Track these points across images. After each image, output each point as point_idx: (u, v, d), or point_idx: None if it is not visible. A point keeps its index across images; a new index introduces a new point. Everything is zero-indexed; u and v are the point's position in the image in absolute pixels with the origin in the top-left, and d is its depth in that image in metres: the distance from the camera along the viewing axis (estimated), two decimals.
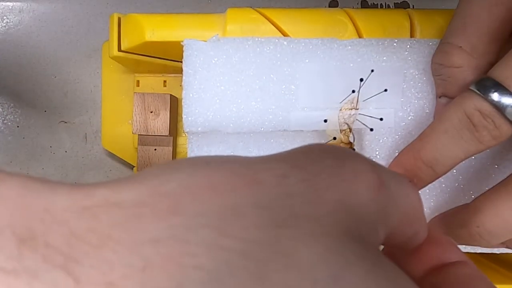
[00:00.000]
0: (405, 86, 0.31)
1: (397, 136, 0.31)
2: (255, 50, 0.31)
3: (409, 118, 0.31)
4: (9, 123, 0.44)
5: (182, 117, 0.32)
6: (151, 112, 0.39)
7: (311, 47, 0.32)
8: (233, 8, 0.33)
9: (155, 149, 0.41)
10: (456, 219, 0.28)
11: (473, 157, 0.31)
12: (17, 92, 0.44)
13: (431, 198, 0.31)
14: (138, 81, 0.42)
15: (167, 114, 0.39)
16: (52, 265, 0.11)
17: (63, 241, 0.11)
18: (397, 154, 0.31)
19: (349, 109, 0.31)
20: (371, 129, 0.31)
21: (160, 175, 0.14)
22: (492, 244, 0.27)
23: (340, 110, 0.31)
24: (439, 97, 0.30)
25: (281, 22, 0.33)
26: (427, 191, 0.31)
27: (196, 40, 0.32)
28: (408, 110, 0.31)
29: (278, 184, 0.14)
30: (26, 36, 0.44)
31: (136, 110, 0.38)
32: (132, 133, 0.39)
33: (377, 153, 0.31)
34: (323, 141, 0.32)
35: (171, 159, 0.41)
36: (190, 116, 0.31)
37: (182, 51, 0.32)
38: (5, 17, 0.44)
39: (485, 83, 0.24)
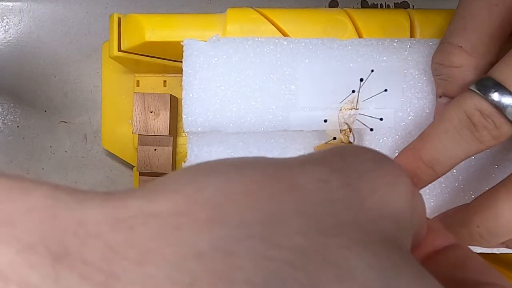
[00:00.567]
0: (405, 86, 0.31)
1: (397, 136, 0.31)
2: (255, 50, 0.31)
3: (409, 118, 0.31)
4: (9, 123, 0.44)
5: (182, 117, 0.32)
6: (151, 112, 0.39)
7: (311, 47, 0.32)
8: (233, 8, 0.33)
9: (155, 149, 0.41)
10: (456, 219, 0.28)
11: (473, 157, 0.31)
12: (17, 92, 0.44)
13: (431, 198, 0.31)
14: (138, 81, 0.42)
15: (167, 114, 0.39)
16: (91, 284, 0.10)
17: (100, 256, 0.10)
18: (397, 154, 0.31)
19: (349, 109, 0.31)
20: (371, 129, 0.31)
21: (194, 182, 0.13)
22: (492, 244, 0.27)
23: (340, 110, 0.31)
24: (439, 97, 0.30)
25: (281, 22, 0.33)
26: (427, 191, 0.31)
27: (196, 40, 0.32)
28: (408, 110, 0.31)
29: (320, 190, 0.14)
30: (26, 36, 0.44)
31: (136, 110, 0.38)
32: (132, 133, 0.39)
33: None
34: (323, 141, 0.32)
35: (171, 159, 0.41)
36: (190, 116, 0.31)
37: (182, 51, 0.32)
38: (5, 17, 0.44)
39: (485, 83, 0.24)
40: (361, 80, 0.31)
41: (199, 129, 0.32)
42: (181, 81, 0.32)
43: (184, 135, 0.42)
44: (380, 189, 0.15)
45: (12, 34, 0.44)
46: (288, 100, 0.31)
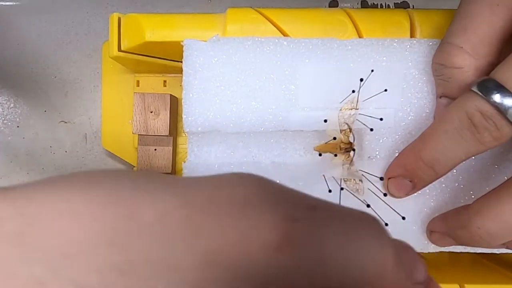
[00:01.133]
0: (405, 86, 0.31)
1: (397, 136, 0.31)
2: (255, 50, 0.31)
3: (409, 118, 0.31)
4: (9, 123, 0.44)
5: (182, 117, 0.32)
6: (151, 112, 0.39)
7: (311, 47, 0.32)
8: (233, 8, 0.33)
9: (155, 149, 0.41)
10: (457, 220, 0.28)
11: (473, 157, 0.31)
12: (17, 92, 0.44)
13: (431, 198, 0.31)
14: (138, 81, 0.42)
15: (167, 114, 0.39)
16: None
17: None
18: (397, 154, 0.31)
19: (349, 109, 0.31)
20: (371, 129, 0.31)
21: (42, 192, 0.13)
22: (492, 245, 0.27)
23: (340, 110, 0.31)
24: (439, 97, 0.30)
25: (281, 22, 0.33)
26: (427, 191, 0.31)
27: (196, 40, 0.32)
28: (408, 110, 0.31)
29: (156, 223, 0.13)
30: (26, 36, 0.44)
31: (136, 110, 0.38)
32: (132, 133, 0.39)
33: (377, 153, 0.31)
34: (323, 141, 0.32)
35: (171, 159, 0.41)
36: (190, 116, 0.31)
37: (182, 51, 0.32)
38: (5, 17, 0.44)
39: (487, 84, 0.24)
40: (361, 80, 0.31)
41: (199, 129, 0.32)
42: (181, 81, 0.32)
43: (184, 135, 0.42)
44: (218, 234, 0.13)
45: (12, 34, 0.44)
46: (288, 100, 0.31)
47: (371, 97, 0.31)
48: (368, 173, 0.31)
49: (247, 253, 0.13)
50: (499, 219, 0.25)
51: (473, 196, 0.31)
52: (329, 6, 0.45)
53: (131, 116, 0.39)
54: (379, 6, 0.45)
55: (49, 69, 0.44)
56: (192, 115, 0.31)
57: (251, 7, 0.34)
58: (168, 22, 0.33)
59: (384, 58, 0.31)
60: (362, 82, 0.31)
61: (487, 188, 0.32)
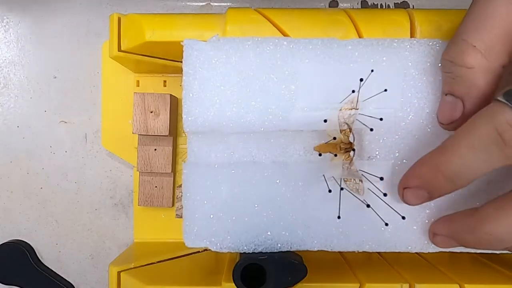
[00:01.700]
0: (405, 86, 0.31)
1: (397, 136, 0.31)
2: (255, 50, 0.31)
3: (409, 118, 0.31)
4: (9, 123, 0.45)
5: (182, 117, 0.32)
6: (151, 112, 0.39)
7: (311, 47, 0.32)
8: (233, 8, 0.33)
9: (155, 149, 0.41)
10: (464, 225, 0.27)
11: None
12: (17, 92, 0.44)
13: None
14: (138, 81, 0.42)
15: (167, 114, 0.39)
16: None
17: None
18: (397, 154, 0.31)
19: (349, 109, 0.31)
20: (371, 129, 0.31)
21: None
22: (497, 249, 0.26)
23: (340, 110, 0.31)
24: (445, 95, 0.29)
25: (281, 22, 0.33)
26: None
27: (196, 40, 0.32)
28: (408, 110, 0.31)
29: None
30: (26, 36, 0.44)
31: (136, 110, 0.38)
32: (132, 133, 0.39)
33: (377, 153, 0.31)
34: (323, 141, 0.32)
35: (171, 159, 0.41)
36: (190, 116, 0.31)
37: (182, 51, 0.32)
38: (5, 17, 0.44)
39: None
40: (361, 80, 0.31)
41: (199, 129, 0.32)
42: (181, 81, 0.32)
43: (184, 135, 0.42)
44: None
45: (12, 34, 0.44)
46: (288, 100, 0.31)
47: (371, 97, 0.31)
48: (368, 173, 0.31)
49: None
50: (510, 226, 0.24)
51: (473, 196, 0.31)
52: (329, 6, 0.45)
53: (131, 116, 0.39)
54: (379, 6, 0.45)
55: (49, 69, 0.44)
56: (192, 115, 0.31)
57: (251, 7, 0.34)
58: (168, 22, 0.33)
59: (384, 58, 0.31)
60: (362, 82, 0.31)
61: (487, 188, 0.32)
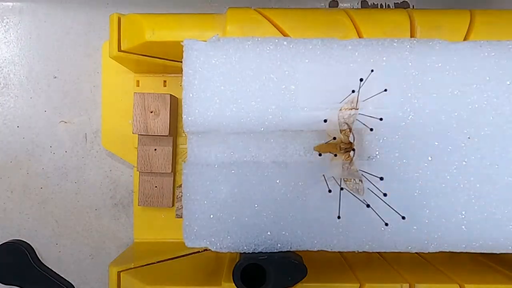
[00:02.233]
0: (405, 86, 0.31)
1: (397, 136, 0.31)
2: (255, 50, 0.31)
3: (409, 118, 0.31)
4: (9, 123, 0.45)
5: (182, 117, 0.32)
6: (151, 112, 0.39)
7: (311, 47, 0.32)
8: (233, 8, 0.33)
9: (155, 149, 0.41)
10: None
11: (472, 157, 0.31)
12: (17, 92, 0.44)
13: (431, 198, 0.31)
14: (138, 81, 0.42)
15: (167, 114, 0.39)
16: None
17: None
18: (397, 154, 0.31)
19: (349, 109, 0.31)
20: (371, 129, 0.31)
21: None
22: None
23: (340, 110, 0.31)
24: None
25: (281, 22, 0.33)
26: (427, 191, 0.31)
27: (196, 40, 0.32)
28: (408, 110, 0.31)
29: None
30: (26, 36, 0.44)
31: (136, 110, 0.38)
32: (132, 133, 0.39)
33: (377, 153, 0.31)
34: (323, 141, 0.32)
35: (171, 159, 0.41)
36: (190, 116, 0.31)
37: (182, 51, 0.32)
38: (5, 17, 0.44)
39: None
40: (361, 80, 0.31)
41: (199, 129, 0.32)
42: (181, 81, 0.32)
43: (184, 135, 0.42)
44: None
45: (12, 34, 0.44)
46: (288, 100, 0.31)
47: (371, 97, 0.31)
48: (368, 173, 0.31)
49: None
50: None
51: (473, 196, 0.31)
52: (329, 6, 0.45)
53: (131, 116, 0.39)
54: (379, 6, 0.45)
55: (49, 69, 0.44)
56: (192, 115, 0.31)
57: (251, 7, 0.34)
58: (168, 22, 0.33)
59: (384, 58, 0.31)
60: (362, 82, 0.31)
61: (487, 188, 0.32)
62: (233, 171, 0.32)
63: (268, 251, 0.32)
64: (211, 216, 0.32)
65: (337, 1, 0.45)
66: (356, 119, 0.31)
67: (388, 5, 0.45)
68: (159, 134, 0.39)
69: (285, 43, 0.31)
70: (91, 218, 0.45)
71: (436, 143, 0.31)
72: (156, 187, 0.41)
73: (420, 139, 0.31)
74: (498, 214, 0.31)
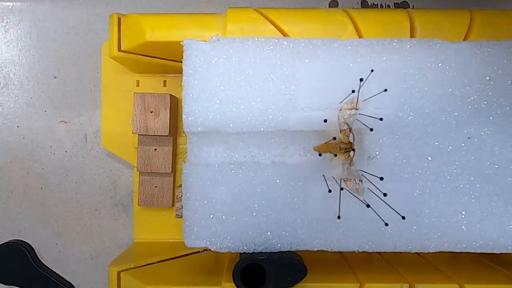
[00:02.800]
0: (405, 86, 0.31)
1: (397, 136, 0.31)
2: (255, 50, 0.31)
3: (409, 118, 0.31)
4: (9, 123, 0.45)
5: (182, 117, 0.32)
6: (151, 112, 0.39)
7: (311, 47, 0.32)
8: (233, 8, 0.33)
9: (155, 149, 0.41)
10: None
11: (473, 157, 0.31)
12: (17, 92, 0.44)
13: (431, 198, 0.31)
14: (138, 81, 0.42)
15: (167, 114, 0.39)
16: None
17: None
18: (397, 154, 0.31)
19: (349, 109, 0.31)
20: (371, 129, 0.31)
21: None
22: None
23: (340, 110, 0.31)
24: None
25: (281, 22, 0.33)
26: (427, 191, 0.31)
27: (196, 40, 0.32)
28: (408, 110, 0.31)
29: None
30: (26, 36, 0.44)
31: (136, 110, 0.38)
32: (132, 133, 0.39)
33: (377, 153, 0.31)
34: (323, 141, 0.32)
35: (171, 159, 0.41)
36: (190, 116, 0.31)
37: (182, 51, 0.32)
38: (5, 17, 0.44)
39: None
40: (361, 80, 0.31)
41: (199, 129, 0.32)
42: (181, 81, 0.32)
43: (184, 135, 0.42)
44: None
45: (12, 34, 0.44)
46: (288, 100, 0.31)
47: (371, 97, 0.31)
48: (368, 173, 0.31)
49: None
50: None
51: (473, 196, 0.31)
52: (329, 6, 0.45)
53: (131, 116, 0.39)
54: (379, 6, 0.45)
55: (49, 69, 0.44)
56: (192, 115, 0.31)
57: (251, 7, 0.34)
58: (168, 22, 0.33)
59: (384, 58, 0.31)
60: (362, 82, 0.31)
61: (487, 188, 0.32)
62: (233, 171, 0.32)
63: (268, 251, 0.32)
64: (211, 216, 0.32)
65: (337, 1, 0.45)
66: (356, 119, 0.31)
67: (388, 5, 0.45)
68: (159, 134, 0.39)
69: (285, 43, 0.31)
70: (91, 218, 0.45)
71: (436, 143, 0.31)
72: (156, 187, 0.41)
73: (420, 139, 0.31)
74: (498, 214, 0.31)
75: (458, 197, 0.32)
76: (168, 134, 0.39)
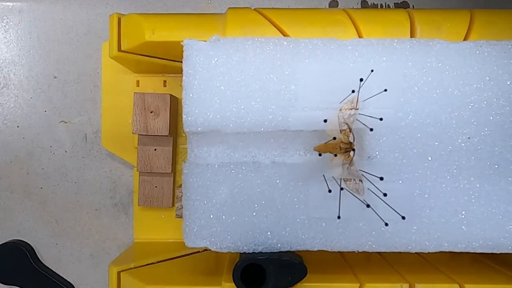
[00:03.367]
0: (405, 86, 0.31)
1: (397, 136, 0.31)
2: (255, 50, 0.31)
3: (409, 118, 0.31)
4: (9, 123, 0.45)
5: (182, 117, 0.32)
6: (151, 112, 0.39)
7: (311, 47, 0.32)
8: (233, 8, 0.33)
9: (155, 149, 0.41)
10: None
11: (473, 157, 0.31)
12: (17, 92, 0.44)
13: (431, 198, 0.31)
14: (138, 81, 0.42)
15: (167, 114, 0.39)
16: None
17: None
18: (397, 154, 0.31)
19: (349, 109, 0.31)
20: (371, 129, 0.31)
21: None
22: None
23: (340, 110, 0.31)
24: None
25: (281, 22, 0.33)
26: (427, 191, 0.31)
27: (196, 40, 0.32)
28: (408, 110, 0.31)
29: None
30: (26, 36, 0.44)
31: (136, 110, 0.38)
32: (132, 133, 0.39)
33: (377, 153, 0.31)
34: (323, 141, 0.32)
35: (171, 159, 0.41)
36: (190, 116, 0.31)
37: (182, 51, 0.32)
38: (5, 17, 0.44)
39: None
40: (361, 80, 0.31)
41: (199, 129, 0.32)
42: (181, 81, 0.32)
43: (184, 135, 0.42)
44: None
45: (12, 34, 0.44)
46: (288, 100, 0.31)
47: (371, 97, 0.31)
48: (368, 173, 0.31)
49: None
50: None
51: (472, 196, 0.31)
52: (329, 6, 0.45)
53: (131, 116, 0.39)
54: (379, 6, 0.45)
55: (49, 69, 0.44)
56: (192, 115, 0.31)
57: (251, 7, 0.34)
58: (168, 22, 0.33)
59: (384, 58, 0.31)
60: (362, 82, 0.31)
61: (487, 188, 0.32)
62: (233, 171, 0.32)
63: (268, 251, 0.32)
64: (211, 216, 0.32)
65: (337, 1, 0.45)
66: (356, 119, 0.31)
67: (388, 5, 0.45)
68: (159, 134, 0.39)
69: (285, 43, 0.31)
70: (91, 218, 0.45)
71: (436, 143, 0.31)
72: (156, 187, 0.41)
73: (420, 139, 0.31)
74: (498, 214, 0.31)
75: (458, 197, 0.31)
76: (168, 134, 0.39)
